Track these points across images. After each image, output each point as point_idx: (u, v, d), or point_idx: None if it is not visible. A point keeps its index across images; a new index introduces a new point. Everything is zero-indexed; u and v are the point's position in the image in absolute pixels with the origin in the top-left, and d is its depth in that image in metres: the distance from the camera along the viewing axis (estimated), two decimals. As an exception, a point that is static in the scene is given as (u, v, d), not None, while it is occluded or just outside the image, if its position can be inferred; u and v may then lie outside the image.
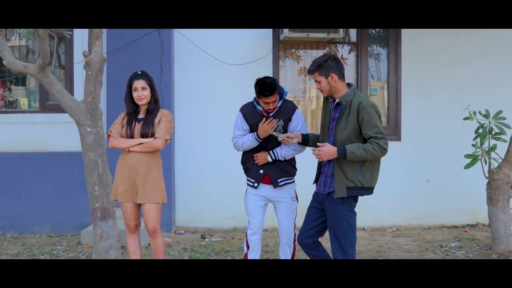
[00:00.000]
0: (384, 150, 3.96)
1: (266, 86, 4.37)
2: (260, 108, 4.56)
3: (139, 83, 4.52)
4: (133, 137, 4.49)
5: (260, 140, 4.49)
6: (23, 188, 6.79)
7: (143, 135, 4.48)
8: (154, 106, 4.57)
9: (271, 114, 4.53)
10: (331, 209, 4.09)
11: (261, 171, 4.59)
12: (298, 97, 7.34)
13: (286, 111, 4.58)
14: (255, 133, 4.51)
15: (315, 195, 4.32)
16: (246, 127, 4.61)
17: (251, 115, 4.60)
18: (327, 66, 4.07)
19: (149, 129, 4.48)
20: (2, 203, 6.77)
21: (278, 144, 4.54)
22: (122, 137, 4.55)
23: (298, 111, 4.64)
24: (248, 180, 4.70)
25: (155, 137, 4.46)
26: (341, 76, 4.12)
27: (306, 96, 7.40)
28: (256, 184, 4.61)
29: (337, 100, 4.13)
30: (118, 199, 4.54)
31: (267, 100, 4.42)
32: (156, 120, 4.52)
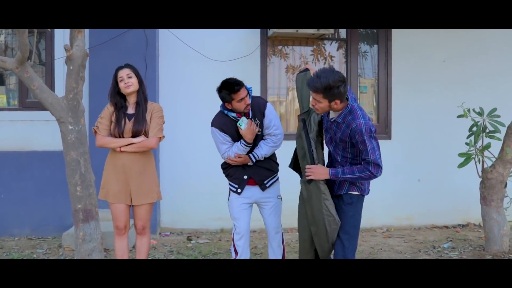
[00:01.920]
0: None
1: (233, 82, 4.18)
2: (233, 114, 4.31)
3: (124, 72, 4.35)
4: (123, 136, 4.27)
5: (250, 145, 4.30)
6: (2, 188, 6.54)
7: (135, 133, 4.25)
8: (141, 97, 4.36)
9: (250, 117, 4.33)
10: (340, 210, 3.95)
11: (245, 177, 4.40)
12: (281, 95, 7.16)
13: (258, 108, 4.36)
14: (242, 140, 4.30)
15: None
16: (228, 138, 4.39)
17: (227, 125, 4.36)
18: (336, 92, 3.63)
19: (142, 126, 4.27)
20: (-20, 204, 6.51)
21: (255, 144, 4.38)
22: (110, 134, 4.33)
23: (269, 104, 4.44)
24: (230, 185, 4.50)
25: (148, 136, 4.28)
26: (344, 100, 3.78)
27: (289, 96, 7.22)
28: (239, 190, 4.42)
29: (333, 118, 3.86)
30: (109, 200, 4.32)
31: (240, 96, 4.18)
32: (148, 116, 4.32)
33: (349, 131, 3.74)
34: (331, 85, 3.60)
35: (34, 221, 6.54)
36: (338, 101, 3.71)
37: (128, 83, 4.29)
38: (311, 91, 3.76)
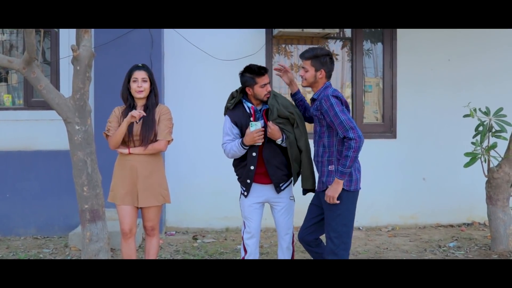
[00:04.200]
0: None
1: (258, 66, 4.24)
2: (249, 104, 4.29)
3: (140, 74, 4.29)
4: (133, 138, 4.26)
5: (246, 148, 4.23)
6: (7, 188, 6.53)
7: (144, 138, 4.25)
8: (153, 101, 4.34)
9: (259, 111, 4.29)
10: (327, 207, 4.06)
11: (248, 181, 4.31)
12: (285, 94, 7.15)
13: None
14: (241, 140, 4.24)
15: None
16: (236, 131, 4.32)
17: (240, 117, 4.30)
18: (323, 61, 4.05)
19: (152, 130, 4.25)
20: (-15, 204, 6.51)
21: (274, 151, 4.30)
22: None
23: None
24: (240, 186, 4.47)
25: (157, 139, 4.26)
26: (329, 76, 4.12)
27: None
28: (246, 193, 4.38)
29: (312, 97, 4.16)
30: (117, 202, 4.30)
31: (264, 81, 4.19)
32: (156, 118, 4.29)
33: (319, 102, 3.97)
34: (318, 54, 4.05)
35: (40, 220, 6.54)
36: (323, 72, 4.05)
37: (141, 87, 4.26)
38: (301, 61, 4.13)
